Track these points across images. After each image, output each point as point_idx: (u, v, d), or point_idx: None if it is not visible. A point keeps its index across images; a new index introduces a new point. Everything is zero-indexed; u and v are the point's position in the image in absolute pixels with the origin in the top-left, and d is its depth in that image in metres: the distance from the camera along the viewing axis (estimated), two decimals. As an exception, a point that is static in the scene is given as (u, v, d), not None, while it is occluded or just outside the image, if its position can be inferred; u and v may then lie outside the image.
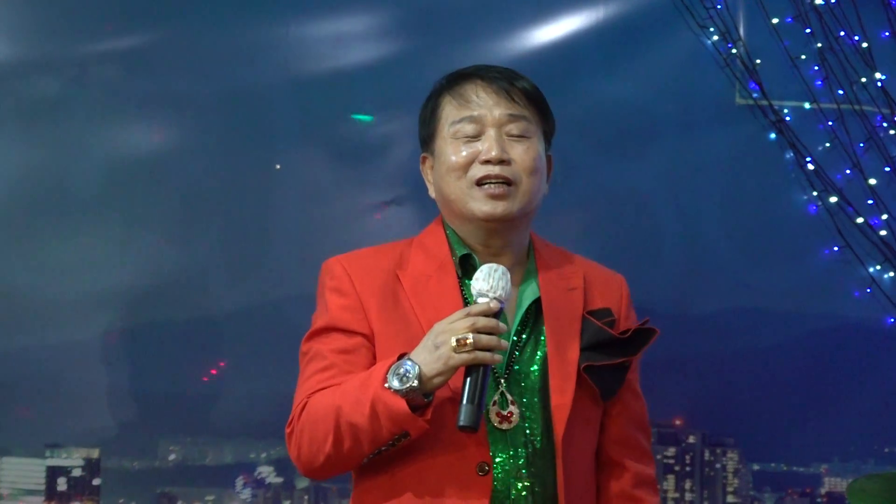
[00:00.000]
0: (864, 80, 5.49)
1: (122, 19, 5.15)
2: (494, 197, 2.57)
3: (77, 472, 5.13)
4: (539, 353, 2.59)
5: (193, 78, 5.17)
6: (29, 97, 5.07)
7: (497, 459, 2.51)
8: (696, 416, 5.63)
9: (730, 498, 5.62)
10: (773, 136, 5.51)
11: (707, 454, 5.63)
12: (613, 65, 5.45)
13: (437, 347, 2.39)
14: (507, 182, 2.58)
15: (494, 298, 2.43)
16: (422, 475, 2.50)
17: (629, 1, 5.46)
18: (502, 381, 2.55)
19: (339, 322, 2.59)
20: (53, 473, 5.13)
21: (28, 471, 5.15)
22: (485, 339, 2.38)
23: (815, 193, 5.49)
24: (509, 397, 2.54)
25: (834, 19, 5.48)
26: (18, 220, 5.06)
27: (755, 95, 5.48)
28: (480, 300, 2.43)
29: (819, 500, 5.67)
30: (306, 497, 5.40)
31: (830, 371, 5.58)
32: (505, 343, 2.43)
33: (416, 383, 2.39)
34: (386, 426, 2.42)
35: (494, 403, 2.53)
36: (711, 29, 5.46)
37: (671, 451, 5.58)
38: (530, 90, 2.65)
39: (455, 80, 2.66)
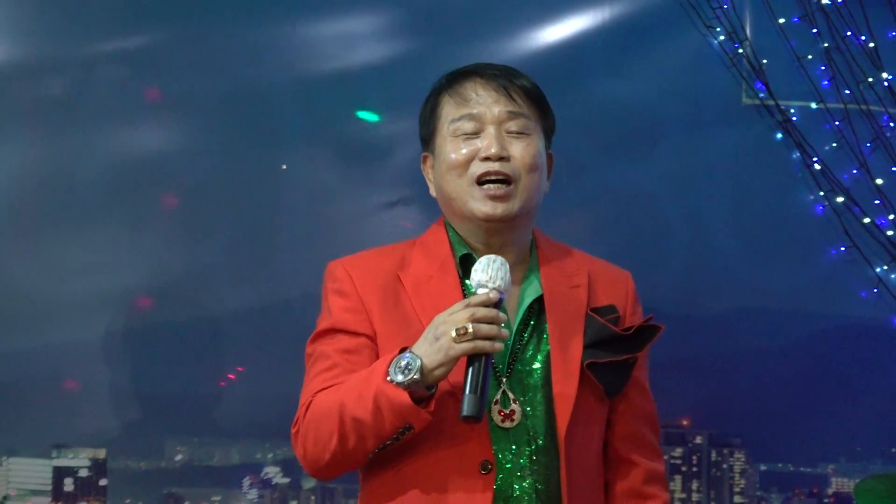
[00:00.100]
0: (870, 79, 5.49)
1: (128, 20, 5.15)
2: (494, 198, 2.58)
3: (84, 473, 5.13)
4: (542, 350, 2.59)
5: (199, 78, 5.17)
6: (35, 98, 5.07)
7: (500, 458, 2.51)
8: (702, 416, 5.63)
9: (737, 498, 5.61)
10: (779, 136, 5.51)
11: (714, 454, 5.63)
12: (620, 65, 5.44)
13: (438, 339, 2.40)
14: (507, 179, 2.58)
15: (494, 289, 2.43)
16: (425, 475, 2.51)
17: (635, 1, 5.46)
18: (504, 379, 2.55)
19: (343, 324, 2.61)
20: (60, 474, 5.13)
21: (35, 471, 5.15)
22: (485, 328, 2.38)
23: (821, 193, 5.49)
24: (511, 395, 2.54)
25: (841, 19, 5.47)
26: (26, 221, 5.06)
27: (762, 95, 5.47)
28: (480, 291, 2.44)
29: (826, 500, 5.66)
30: (313, 497, 5.40)
31: (837, 371, 5.57)
32: (505, 332, 2.43)
33: (417, 375, 2.39)
34: (389, 419, 2.42)
35: (496, 402, 2.53)
36: (718, 29, 5.45)
37: (678, 451, 5.58)
38: (529, 88, 2.65)
39: (454, 79, 2.67)
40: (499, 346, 2.40)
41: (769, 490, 5.70)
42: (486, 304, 2.41)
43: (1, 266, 5.01)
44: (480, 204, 2.59)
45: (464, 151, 2.60)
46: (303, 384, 2.61)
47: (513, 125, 2.61)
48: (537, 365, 2.58)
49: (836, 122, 5.49)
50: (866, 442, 5.66)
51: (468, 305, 2.41)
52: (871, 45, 5.48)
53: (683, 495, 5.57)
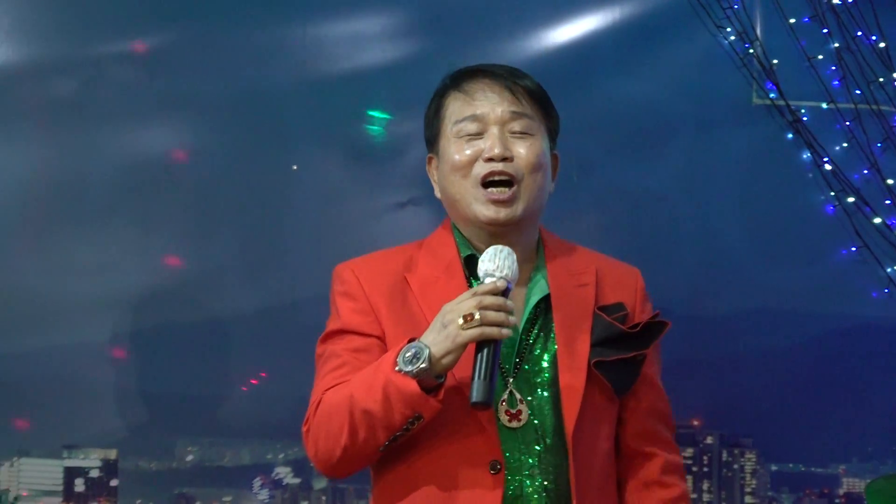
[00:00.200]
0: (881, 79, 5.48)
1: (138, 21, 5.16)
2: (497, 202, 2.58)
3: (95, 473, 5.14)
4: (549, 350, 2.58)
5: (210, 79, 5.18)
6: (45, 98, 5.08)
7: (508, 457, 2.51)
8: (713, 416, 5.62)
9: (748, 498, 5.61)
10: (790, 136, 5.50)
11: (725, 455, 5.62)
12: (630, 65, 5.44)
13: (445, 326, 2.40)
14: (511, 180, 2.58)
15: (501, 278, 2.43)
16: (434, 475, 2.51)
17: (645, 1, 5.46)
18: (511, 379, 2.55)
19: (351, 325, 2.61)
20: (71, 474, 5.14)
21: (46, 472, 5.16)
22: (491, 314, 2.39)
23: (832, 193, 5.48)
24: (517, 395, 2.54)
25: (851, 19, 5.47)
26: (35, 221, 5.07)
27: (772, 95, 5.47)
28: (487, 280, 2.44)
29: (837, 500, 5.65)
30: (324, 498, 5.40)
31: (848, 371, 5.57)
32: (514, 319, 2.43)
33: (426, 364, 2.40)
34: (398, 409, 2.42)
35: (503, 402, 2.53)
36: (728, 29, 5.45)
37: (689, 451, 5.58)
38: (533, 88, 2.65)
39: (458, 79, 2.68)
40: (506, 332, 2.40)
41: (780, 490, 5.70)
42: (493, 293, 2.41)
43: (12, 266, 5.02)
44: (484, 208, 2.59)
45: (467, 152, 2.60)
46: (313, 384, 2.61)
47: (516, 125, 2.61)
48: (545, 364, 2.57)
49: (847, 122, 5.49)
50: (877, 442, 5.65)
51: (475, 294, 2.41)
52: (882, 45, 5.47)
53: (694, 495, 5.56)
